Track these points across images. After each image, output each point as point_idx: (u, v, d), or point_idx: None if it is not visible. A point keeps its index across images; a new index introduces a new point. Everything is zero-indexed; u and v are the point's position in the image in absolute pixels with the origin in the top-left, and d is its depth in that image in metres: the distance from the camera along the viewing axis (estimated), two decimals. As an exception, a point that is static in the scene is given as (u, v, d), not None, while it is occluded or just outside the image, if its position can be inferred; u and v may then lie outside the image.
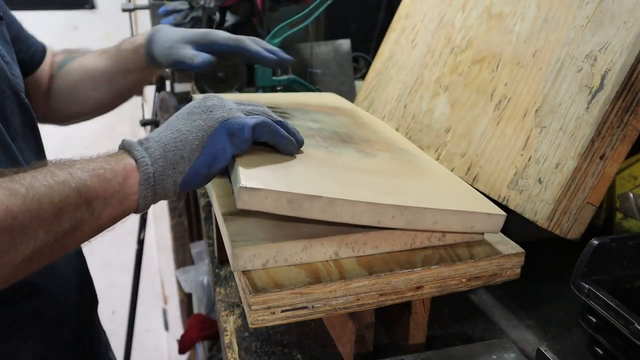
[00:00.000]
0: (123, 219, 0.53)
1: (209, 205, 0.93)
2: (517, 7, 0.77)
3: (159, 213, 2.40)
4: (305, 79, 1.16)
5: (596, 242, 0.58)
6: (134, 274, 1.88)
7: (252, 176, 0.49)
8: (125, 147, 0.53)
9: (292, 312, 0.50)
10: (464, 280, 0.55)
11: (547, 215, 0.63)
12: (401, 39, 1.00)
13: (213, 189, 0.66)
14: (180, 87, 1.33)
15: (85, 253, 0.82)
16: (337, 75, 1.26)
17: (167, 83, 1.55)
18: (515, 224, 0.65)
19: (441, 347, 0.56)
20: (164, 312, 2.58)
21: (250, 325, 0.49)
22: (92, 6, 2.15)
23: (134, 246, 1.87)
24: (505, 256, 0.56)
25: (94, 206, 0.49)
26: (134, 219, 1.92)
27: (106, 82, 0.87)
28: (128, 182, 0.50)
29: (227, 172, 0.56)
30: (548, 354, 0.50)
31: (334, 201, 0.49)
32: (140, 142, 0.53)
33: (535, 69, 0.71)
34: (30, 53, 0.83)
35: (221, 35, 0.76)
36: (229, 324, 0.69)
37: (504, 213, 0.56)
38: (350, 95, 1.20)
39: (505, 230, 0.58)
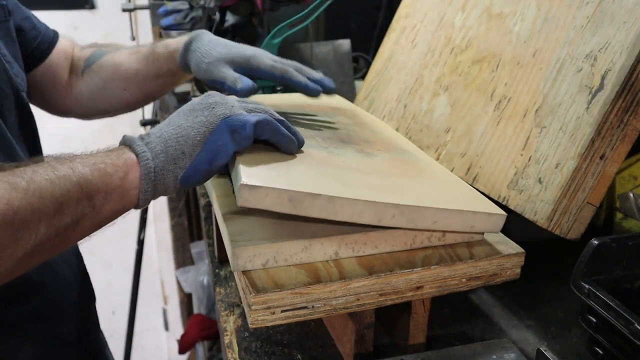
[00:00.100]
0: (123, 215, 0.53)
1: (209, 205, 0.93)
2: (517, 7, 0.77)
3: (159, 213, 2.40)
4: (305, 79, 1.16)
5: (596, 242, 0.58)
6: (134, 274, 1.88)
7: (253, 174, 0.49)
8: (126, 143, 0.53)
9: (292, 312, 0.50)
10: (464, 280, 0.55)
11: (547, 215, 0.63)
12: (401, 39, 1.00)
13: (213, 189, 0.66)
14: (181, 88, 1.33)
15: (85, 252, 0.82)
16: (337, 75, 1.26)
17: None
18: (515, 224, 0.65)
19: (441, 347, 0.56)
20: (164, 312, 2.58)
21: (250, 325, 0.49)
22: (92, 6, 2.15)
23: (134, 246, 1.87)
24: (505, 256, 0.56)
25: (95, 200, 0.48)
26: (134, 219, 1.92)
27: (137, 83, 0.85)
28: (129, 177, 0.50)
29: (227, 171, 0.56)
30: (548, 354, 0.50)
31: (334, 199, 0.49)
32: (141, 137, 0.53)
33: (535, 69, 0.71)
34: (34, 44, 0.82)
35: (266, 62, 0.72)
36: (229, 324, 0.69)
37: (504, 213, 0.56)
38: (350, 95, 1.20)
39: (505, 230, 0.58)
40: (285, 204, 0.48)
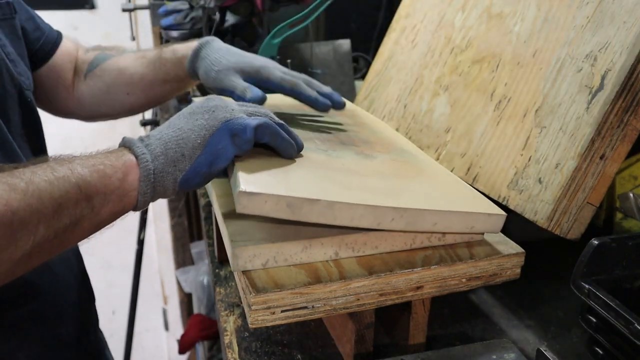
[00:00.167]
0: (122, 216, 0.53)
1: (209, 205, 0.93)
2: (517, 7, 0.77)
3: (159, 213, 2.40)
4: (305, 79, 1.16)
5: (596, 242, 0.58)
6: (134, 274, 1.88)
7: (251, 180, 0.49)
8: (125, 144, 0.53)
9: (292, 312, 0.50)
10: (464, 280, 0.55)
11: (547, 215, 0.63)
12: (401, 39, 1.00)
13: (213, 189, 0.66)
14: (181, 87, 1.32)
15: (85, 253, 0.82)
16: (337, 75, 1.26)
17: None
18: (515, 224, 0.65)
19: (441, 347, 0.56)
20: (164, 312, 2.58)
21: (250, 325, 0.49)
22: (92, 6, 2.15)
23: (134, 246, 1.87)
24: (505, 256, 0.56)
25: (94, 202, 0.48)
26: (134, 219, 1.92)
27: (142, 88, 0.84)
28: (128, 179, 0.50)
29: (226, 174, 0.56)
30: (548, 354, 0.50)
31: (333, 204, 0.49)
32: (141, 139, 0.53)
33: (535, 69, 0.71)
34: (38, 45, 0.82)
35: (276, 74, 0.71)
36: (229, 324, 0.69)
37: (504, 213, 0.56)
38: (350, 95, 1.20)
39: (505, 230, 0.58)
40: (284, 210, 0.48)
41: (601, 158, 0.62)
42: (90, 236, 0.52)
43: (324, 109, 0.71)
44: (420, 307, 0.58)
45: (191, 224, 2.21)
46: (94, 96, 0.86)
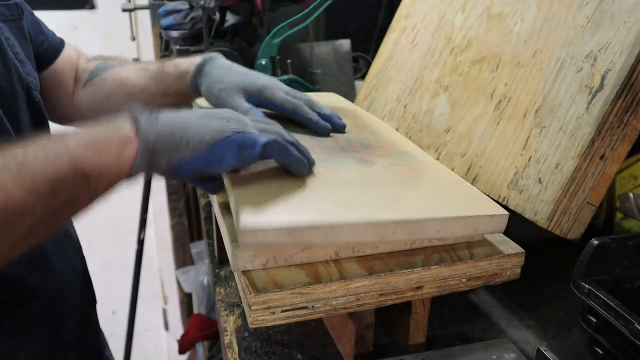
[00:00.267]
0: (116, 188, 0.52)
1: (209, 205, 0.93)
2: (517, 7, 0.77)
3: (159, 213, 2.40)
4: (305, 79, 1.16)
5: (596, 242, 0.58)
6: (134, 274, 1.88)
7: (251, 214, 0.49)
8: (131, 114, 0.52)
9: (292, 312, 0.50)
10: (464, 280, 0.55)
11: (547, 215, 0.63)
12: (401, 39, 1.00)
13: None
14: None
15: (86, 253, 0.82)
16: (337, 75, 1.26)
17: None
18: (515, 224, 0.65)
19: (441, 347, 0.56)
20: (164, 312, 2.58)
21: (250, 325, 0.49)
22: (92, 6, 2.15)
23: (134, 246, 1.87)
24: (505, 256, 0.56)
25: (90, 179, 0.48)
26: (134, 219, 1.92)
27: (142, 100, 0.84)
28: (125, 152, 0.49)
29: (215, 185, 0.57)
30: (548, 354, 0.51)
31: (333, 227, 0.50)
32: (150, 112, 0.52)
33: (535, 69, 0.71)
34: (41, 50, 0.82)
35: (278, 94, 0.71)
36: (229, 324, 0.69)
37: (506, 212, 0.56)
38: (350, 95, 1.20)
39: (505, 231, 0.58)
40: (286, 239, 0.49)
41: (601, 158, 0.62)
42: (86, 211, 0.51)
43: (323, 132, 0.71)
44: (420, 307, 0.58)
45: (191, 224, 2.21)
46: (93, 104, 0.86)
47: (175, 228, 2.33)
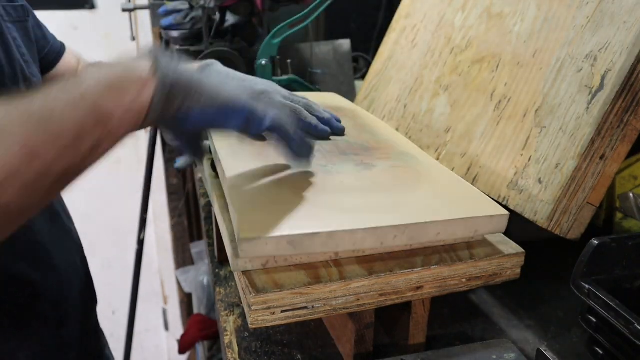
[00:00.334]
0: (132, 133, 0.51)
1: (209, 205, 0.93)
2: (517, 7, 0.77)
3: (159, 213, 2.40)
4: (305, 79, 1.17)
5: (596, 242, 0.58)
6: (134, 274, 1.88)
7: (250, 224, 0.49)
8: (152, 54, 0.50)
9: (292, 312, 0.50)
10: (464, 280, 0.55)
11: (547, 215, 0.63)
12: (401, 39, 1.00)
13: (213, 189, 0.66)
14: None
15: (86, 253, 0.82)
16: (337, 75, 1.26)
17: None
18: (515, 224, 0.65)
19: (441, 347, 0.56)
20: (164, 312, 2.58)
21: (250, 326, 0.49)
22: (92, 6, 2.15)
23: (134, 246, 1.87)
24: (505, 256, 0.56)
25: (112, 123, 0.46)
26: (134, 219, 1.92)
27: None
28: (143, 94, 0.47)
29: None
30: (548, 354, 0.51)
31: (333, 234, 0.50)
32: (172, 52, 0.51)
33: (535, 69, 0.71)
34: (42, 54, 0.82)
35: (277, 98, 0.71)
36: (229, 324, 0.69)
37: (506, 212, 0.56)
38: (350, 95, 1.20)
39: (505, 231, 0.58)
40: (286, 248, 0.49)
41: (601, 158, 0.62)
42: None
43: (323, 136, 0.71)
44: (420, 307, 0.58)
45: (191, 224, 2.21)
46: None
47: (175, 228, 2.33)
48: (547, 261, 0.79)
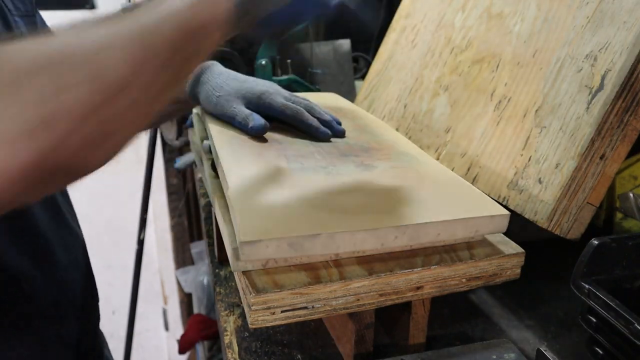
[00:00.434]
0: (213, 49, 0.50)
1: (209, 205, 0.93)
2: (517, 7, 0.77)
3: (159, 213, 2.40)
4: (305, 79, 1.17)
5: (596, 242, 0.58)
6: (134, 274, 1.88)
7: (250, 226, 0.49)
8: None
9: (292, 312, 0.50)
10: (464, 280, 0.55)
11: (547, 215, 0.63)
12: (401, 39, 1.00)
13: (213, 189, 0.66)
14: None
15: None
16: (337, 75, 1.26)
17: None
18: (515, 224, 0.65)
19: (441, 347, 0.56)
20: (164, 312, 2.59)
21: (250, 326, 0.49)
22: (92, 6, 2.15)
23: (134, 246, 1.87)
24: (505, 256, 0.56)
25: (203, 33, 0.46)
26: (134, 219, 1.92)
27: None
28: (226, 2, 0.47)
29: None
30: (548, 354, 0.51)
31: (333, 235, 0.50)
32: None
33: (535, 69, 0.71)
34: None
35: (278, 100, 0.72)
36: (229, 324, 0.69)
37: (507, 212, 0.56)
38: (350, 95, 1.20)
39: (505, 230, 0.58)
40: (286, 250, 0.49)
41: (601, 158, 0.62)
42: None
43: (324, 139, 0.71)
44: (420, 307, 0.58)
45: (191, 224, 2.21)
46: None
47: (175, 228, 2.33)
48: (547, 261, 0.79)
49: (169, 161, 2.18)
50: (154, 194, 2.00)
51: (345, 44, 1.28)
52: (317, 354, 0.63)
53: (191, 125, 0.92)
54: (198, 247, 1.92)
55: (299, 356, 0.63)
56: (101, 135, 0.38)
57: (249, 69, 1.07)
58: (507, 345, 0.55)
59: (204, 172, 0.77)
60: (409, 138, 0.86)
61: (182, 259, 2.34)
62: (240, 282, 0.52)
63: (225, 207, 0.60)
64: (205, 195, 1.03)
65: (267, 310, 0.49)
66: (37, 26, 0.74)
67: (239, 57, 1.16)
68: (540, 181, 0.65)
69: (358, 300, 0.52)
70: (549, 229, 0.63)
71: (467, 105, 0.79)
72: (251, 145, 0.66)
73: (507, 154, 0.70)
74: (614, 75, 0.61)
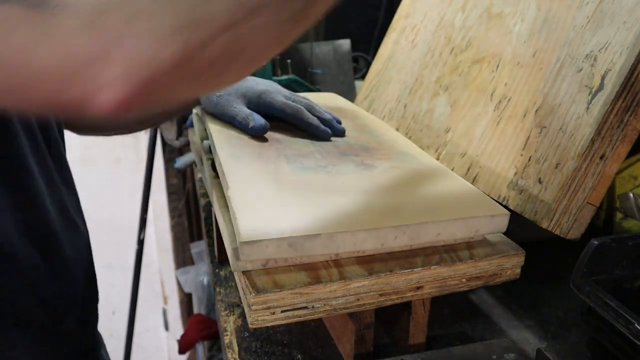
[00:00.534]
0: None
1: (209, 205, 0.93)
2: (517, 7, 0.77)
3: (159, 213, 2.40)
4: (305, 79, 1.17)
5: (596, 242, 0.58)
6: (134, 274, 1.88)
7: (250, 226, 0.49)
8: None
9: (292, 312, 0.50)
10: (464, 280, 0.55)
11: (547, 215, 0.63)
12: (401, 39, 1.00)
13: (213, 189, 0.66)
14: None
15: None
16: (337, 75, 1.26)
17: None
18: (515, 224, 0.65)
19: (441, 347, 0.56)
20: (164, 312, 2.58)
21: (250, 326, 0.49)
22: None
23: (134, 246, 1.87)
24: (505, 256, 0.56)
25: None
26: (134, 219, 1.92)
27: None
28: None
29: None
30: (548, 354, 0.51)
31: (333, 235, 0.50)
32: None
33: (535, 69, 0.71)
34: None
35: (278, 99, 0.72)
36: (229, 324, 0.69)
37: (507, 212, 0.56)
38: (350, 95, 1.20)
39: (505, 230, 0.58)
40: (287, 250, 0.49)
41: (601, 158, 0.62)
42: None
43: (324, 137, 0.71)
44: (420, 307, 0.58)
45: (191, 224, 2.21)
46: None
47: (175, 228, 2.33)
48: (547, 261, 0.79)
49: (169, 161, 2.18)
50: (154, 194, 2.00)
51: (345, 44, 1.28)
52: (317, 354, 0.63)
53: (191, 125, 0.92)
54: (198, 247, 1.92)
55: (299, 356, 0.63)
56: (236, 50, 0.39)
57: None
58: (507, 345, 0.55)
59: (204, 172, 0.77)
60: (409, 138, 0.86)
61: (182, 259, 2.34)
62: (240, 282, 0.52)
63: (225, 207, 0.60)
64: (205, 195, 1.03)
65: (267, 310, 0.49)
66: None
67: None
68: (540, 181, 0.65)
69: (358, 300, 0.52)
70: (549, 229, 0.63)
71: (467, 105, 0.79)
72: (251, 145, 0.66)
73: (507, 154, 0.70)
74: (614, 75, 0.61)
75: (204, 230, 0.96)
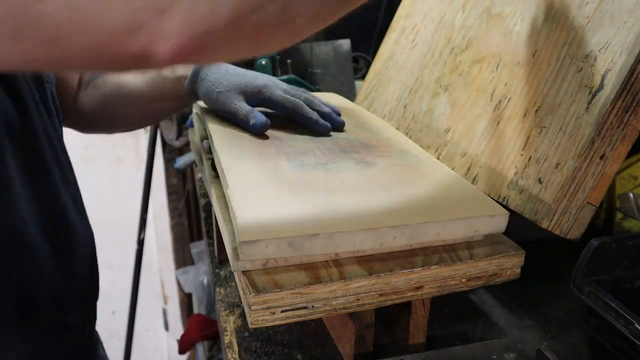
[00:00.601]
0: None
1: (209, 205, 0.93)
2: (517, 7, 0.77)
3: (159, 213, 2.40)
4: (305, 79, 1.17)
5: (596, 242, 0.58)
6: (134, 274, 1.88)
7: (250, 226, 0.49)
8: None
9: (292, 312, 0.50)
10: (464, 280, 0.55)
11: (547, 215, 0.63)
12: (401, 39, 1.00)
13: (213, 189, 0.66)
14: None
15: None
16: (337, 75, 1.26)
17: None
18: (515, 224, 0.65)
19: (441, 347, 0.56)
20: (164, 312, 2.58)
21: (250, 326, 0.49)
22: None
23: (134, 246, 1.87)
24: (505, 256, 0.56)
25: None
26: (134, 219, 1.92)
27: (141, 104, 0.84)
28: None
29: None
30: (548, 354, 0.51)
31: (333, 235, 0.50)
32: None
33: (535, 69, 0.71)
34: None
35: (277, 93, 0.72)
36: (229, 324, 0.69)
37: (506, 212, 0.56)
38: (350, 95, 1.20)
39: (505, 230, 0.58)
40: (286, 250, 0.49)
41: (601, 158, 0.62)
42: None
43: (323, 132, 0.71)
44: (420, 307, 0.58)
45: (191, 224, 2.21)
46: (92, 106, 0.86)
47: (175, 228, 2.33)
48: (547, 261, 0.79)
49: (169, 161, 2.18)
50: (154, 194, 2.00)
51: (345, 44, 1.28)
52: (317, 354, 0.63)
53: (191, 125, 0.92)
54: (198, 247, 1.92)
55: (299, 356, 0.63)
56: (286, 18, 0.40)
57: (249, 69, 1.07)
58: (507, 345, 0.55)
59: (204, 172, 0.77)
60: (409, 138, 0.86)
61: (182, 259, 2.34)
62: (240, 282, 0.52)
63: (225, 207, 0.60)
64: (205, 195, 1.03)
65: (267, 310, 0.49)
66: None
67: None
68: (540, 181, 0.65)
69: (358, 300, 0.52)
70: (549, 229, 0.63)
71: (467, 105, 0.79)
72: (251, 143, 0.66)
73: (507, 154, 0.70)
74: (614, 75, 0.61)
75: (204, 230, 0.96)
